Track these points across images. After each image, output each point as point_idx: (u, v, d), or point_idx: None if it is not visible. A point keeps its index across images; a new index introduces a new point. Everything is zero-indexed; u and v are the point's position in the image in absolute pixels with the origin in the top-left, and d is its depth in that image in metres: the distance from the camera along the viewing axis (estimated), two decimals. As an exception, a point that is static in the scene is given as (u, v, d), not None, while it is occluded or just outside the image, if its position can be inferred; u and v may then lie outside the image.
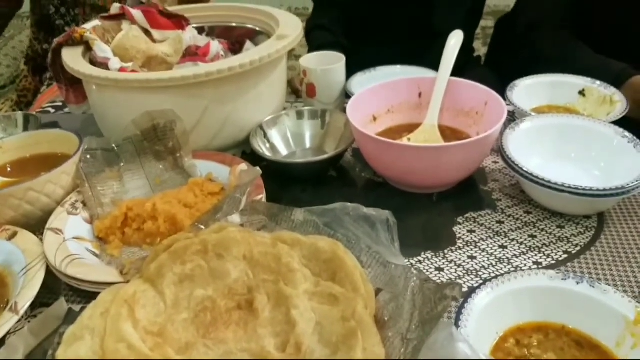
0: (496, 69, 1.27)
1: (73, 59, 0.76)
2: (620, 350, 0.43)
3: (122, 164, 0.69)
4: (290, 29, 0.81)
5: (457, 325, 0.43)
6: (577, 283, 0.46)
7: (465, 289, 0.54)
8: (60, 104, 1.04)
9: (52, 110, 0.98)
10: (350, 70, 0.96)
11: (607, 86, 0.82)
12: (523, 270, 0.48)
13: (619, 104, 0.78)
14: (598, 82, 0.83)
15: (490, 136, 0.64)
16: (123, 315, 0.43)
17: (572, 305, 0.45)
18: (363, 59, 1.04)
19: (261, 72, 0.75)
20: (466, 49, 1.32)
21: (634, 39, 1.02)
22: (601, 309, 0.44)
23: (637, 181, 0.59)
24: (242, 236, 0.51)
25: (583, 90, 0.84)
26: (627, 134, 0.66)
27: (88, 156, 0.67)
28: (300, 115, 0.81)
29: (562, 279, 0.46)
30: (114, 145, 0.69)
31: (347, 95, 0.89)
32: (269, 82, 0.78)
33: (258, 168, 0.61)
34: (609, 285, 0.52)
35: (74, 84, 0.83)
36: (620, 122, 0.73)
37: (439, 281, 0.55)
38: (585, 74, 0.87)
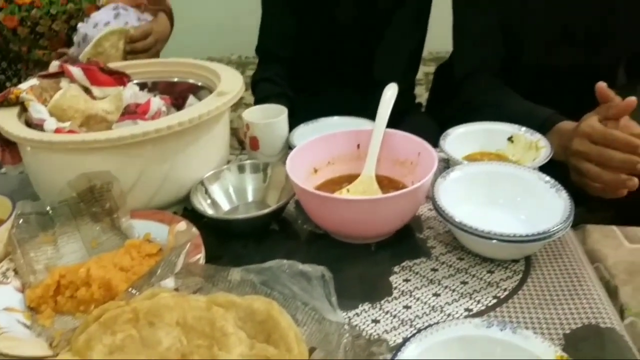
0: (436, 115, 1.33)
1: (7, 121, 0.75)
2: (542, 397, 0.44)
3: (56, 228, 0.67)
4: (231, 84, 0.83)
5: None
6: (501, 330, 0.48)
7: (399, 340, 0.55)
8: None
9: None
10: (297, 120, 0.99)
11: (534, 132, 0.87)
12: (450, 320, 0.49)
13: (544, 150, 0.83)
14: (525, 129, 0.88)
15: (421, 187, 0.66)
16: (47, 393, 0.42)
17: (497, 353, 0.47)
18: (308, 109, 1.07)
19: (202, 128, 0.77)
20: (407, 95, 1.38)
21: (561, 86, 1.09)
22: (523, 355, 0.46)
23: (559, 225, 0.62)
24: (175, 301, 0.50)
25: (511, 136, 0.89)
26: (548, 178, 0.70)
27: (21, 221, 0.66)
28: (241, 169, 0.82)
29: (487, 327, 0.48)
30: (48, 208, 0.68)
31: (290, 147, 0.91)
32: (210, 137, 0.80)
33: (195, 229, 0.62)
34: (535, 327, 0.55)
35: (9, 144, 0.82)
36: (547, 166, 0.77)
37: (374, 334, 0.56)
38: (515, 121, 0.92)
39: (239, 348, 0.48)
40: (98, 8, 1.18)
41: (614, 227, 0.92)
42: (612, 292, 0.79)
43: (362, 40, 1.24)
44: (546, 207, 0.67)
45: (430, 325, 0.49)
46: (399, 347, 0.47)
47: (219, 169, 0.81)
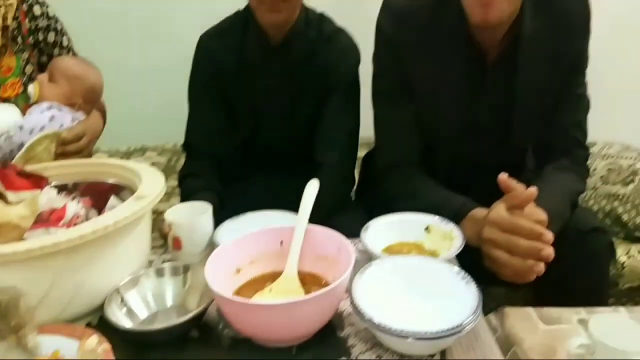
0: (364, 202, 1.37)
1: None
2: None
3: (-46, 351, 0.63)
4: (151, 187, 0.83)
5: None
6: None
7: None
8: None
9: None
10: (228, 211, 1.00)
11: (448, 222, 0.92)
12: None
13: (456, 240, 0.87)
14: (440, 219, 0.93)
15: (338, 286, 0.68)
16: None
17: None
18: (240, 199, 1.07)
19: (118, 234, 0.75)
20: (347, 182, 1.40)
21: (475, 174, 1.17)
22: None
23: (469, 318, 0.65)
24: None
25: (428, 227, 0.93)
26: (458, 270, 0.74)
27: None
28: (160, 273, 0.81)
29: None
30: (-54, 330, 0.64)
31: (214, 245, 0.90)
32: (127, 243, 0.78)
33: (105, 345, 0.59)
34: None
35: None
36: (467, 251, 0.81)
37: None
38: (432, 210, 0.96)
39: None
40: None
41: (531, 310, 0.97)
42: (530, 377, 0.81)
43: (291, 136, 1.29)
44: (457, 299, 0.70)
45: None
46: None
47: (137, 274, 0.79)
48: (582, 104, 1.15)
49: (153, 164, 1.85)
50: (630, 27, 1.87)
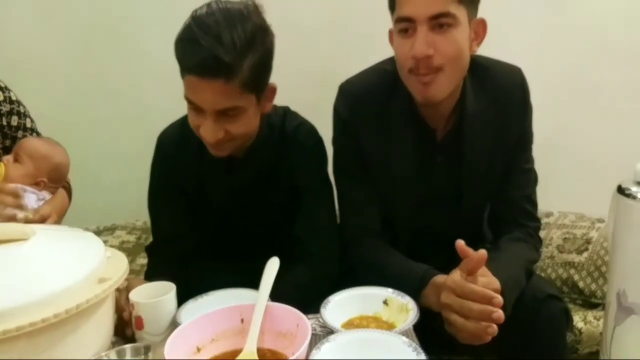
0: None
1: None
2: None
3: None
4: (115, 270, 0.86)
5: None
6: None
7: None
8: None
9: None
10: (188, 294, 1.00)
11: (404, 295, 0.96)
12: None
13: (412, 312, 0.91)
14: (397, 293, 0.97)
15: (294, 362, 0.70)
16: None
17: None
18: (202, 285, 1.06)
19: (80, 317, 0.77)
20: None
21: (434, 243, 1.23)
22: None
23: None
24: None
25: (386, 300, 0.97)
26: (409, 342, 0.77)
27: None
28: (121, 353, 0.81)
29: None
30: None
31: (177, 325, 0.92)
32: (91, 325, 0.80)
33: None
34: None
35: None
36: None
37: None
38: (396, 280, 1.00)
39: None
40: None
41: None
42: None
43: (260, 233, 1.24)
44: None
45: None
46: None
47: (98, 356, 0.80)
48: (529, 178, 1.24)
49: (122, 242, 1.85)
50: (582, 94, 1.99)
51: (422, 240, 1.24)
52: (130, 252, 1.79)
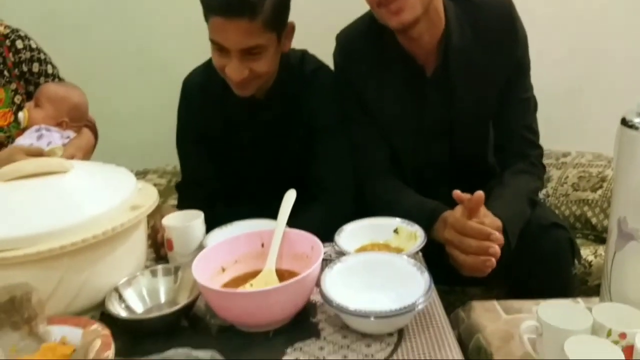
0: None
1: None
2: None
3: (-25, 339, 0.73)
4: (146, 198, 0.94)
5: None
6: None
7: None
8: None
9: None
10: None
11: (413, 224, 1.02)
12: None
13: (420, 239, 0.97)
14: (406, 222, 1.03)
15: (307, 277, 0.78)
16: None
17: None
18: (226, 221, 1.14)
19: (116, 240, 0.86)
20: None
21: (441, 179, 1.27)
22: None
23: (421, 298, 0.74)
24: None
25: (396, 228, 1.03)
26: (414, 262, 0.84)
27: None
28: (154, 273, 0.91)
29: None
30: (-31, 321, 0.74)
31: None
32: (126, 247, 0.89)
33: (105, 329, 0.69)
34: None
35: None
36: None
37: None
38: (407, 216, 1.06)
39: None
40: (23, 132, 1.28)
41: (495, 302, 1.06)
42: (488, 357, 0.90)
43: (280, 176, 1.27)
44: (412, 286, 0.79)
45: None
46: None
47: (133, 275, 0.89)
48: (529, 107, 1.26)
49: (154, 184, 1.94)
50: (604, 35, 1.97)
51: (428, 174, 1.29)
52: (162, 194, 1.87)
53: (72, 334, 0.76)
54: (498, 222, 1.00)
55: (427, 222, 1.07)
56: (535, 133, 1.26)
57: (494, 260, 0.96)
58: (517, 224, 1.10)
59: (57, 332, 0.77)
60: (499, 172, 1.28)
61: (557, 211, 1.54)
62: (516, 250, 1.09)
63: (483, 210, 1.00)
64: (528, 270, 1.15)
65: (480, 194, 0.97)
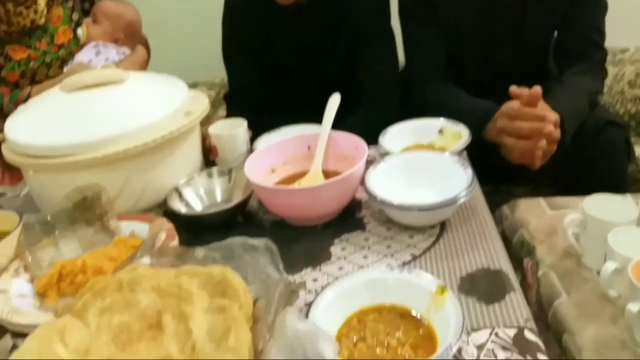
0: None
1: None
2: (429, 316, 0.58)
3: (56, 233, 0.82)
4: (198, 105, 0.98)
5: (307, 314, 0.58)
6: (400, 272, 0.62)
7: (332, 292, 0.68)
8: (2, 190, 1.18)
9: (-3, 198, 1.12)
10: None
11: (458, 124, 1.02)
12: (362, 269, 0.63)
13: (464, 137, 0.97)
14: (450, 122, 1.03)
15: (352, 174, 0.81)
16: (55, 340, 0.56)
17: (397, 288, 0.61)
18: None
19: (173, 143, 0.91)
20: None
21: (499, 84, 1.24)
22: (415, 287, 0.60)
23: (463, 192, 0.77)
24: (150, 273, 0.65)
25: (441, 129, 1.04)
26: (457, 159, 0.85)
27: (27, 229, 0.80)
28: (210, 174, 0.97)
29: (390, 271, 0.62)
30: (49, 218, 0.83)
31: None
32: (182, 151, 0.94)
33: (165, 219, 0.76)
34: (439, 273, 0.69)
35: (10, 168, 0.96)
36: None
37: (313, 289, 0.70)
38: (460, 116, 1.05)
39: (201, 303, 0.62)
40: (82, 48, 1.34)
41: (540, 199, 1.07)
42: (531, 251, 0.93)
43: (325, 83, 1.24)
44: (456, 182, 0.81)
45: (345, 274, 0.63)
46: (318, 293, 0.61)
47: (191, 176, 0.95)
48: (598, 7, 1.19)
49: (204, 97, 2.00)
50: None
51: (487, 77, 1.26)
52: (211, 106, 1.93)
53: (140, 228, 0.84)
54: (556, 116, 0.98)
55: (479, 121, 1.06)
56: (602, 35, 1.20)
57: (544, 141, 0.95)
58: (574, 121, 1.08)
59: (126, 227, 0.85)
60: (558, 75, 1.24)
61: (610, 110, 1.49)
62: (568, 150, 1.08)
63: (541, 104, 0.98)
64: (580, 170, 1.14)
65: (538, 88, 0.95)
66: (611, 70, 1.55)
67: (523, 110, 0.96)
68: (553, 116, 0.96)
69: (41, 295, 0.74)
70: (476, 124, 1.03)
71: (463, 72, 1.28)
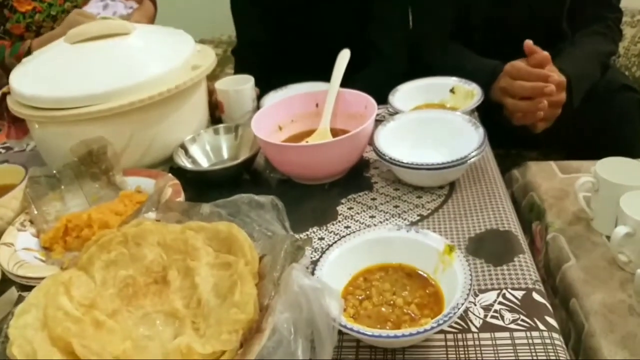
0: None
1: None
2: (436, 275, 0.58)
3: (62, 187, 0.81)
4: (205, 59, 0.96)
5: (314, 271, 0.57)
6: (407, 231, 0.61)
7: (338, 251, 0.68)
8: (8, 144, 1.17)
9: (3, 151, 1.11)
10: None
11: (470, 83, 0.99)
12: (368, 227, 0.63)
13: (477, 96, 0.95)
14: (463, 81, 1.00)
15: (360, 132, 0.79)
16: (60, 292, 0.56)
17: (404, 247, 0.60)
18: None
19: (180, 98, 0.90)
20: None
21: (509, 48, 1.21)
22: (423, 247, 0.59)
23: (473, 152, 0.75)
24: (156, 227, 0.64)
25: (453, 88, 1.01)
26: (468, 118, 0.83)
27: (33, 183, 0.80)
28: (216, 131, 0.95)
29: (397, 230, 0.61)
30: (55, 171, 0.82)
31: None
32: (188, 105, 0.93)
33: (170, 174, 0.75)
34: (447, 234, 0.68)
35: (16, 121, 0.95)
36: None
37: (319, 247, 0.70)
38: (468, 75, 1.03)
39: (206, 258, 0.62)
40: (88, 2, 1.31)
41: (551, 162, 1.05)
42: (540, 214, 0.92)
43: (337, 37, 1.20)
44: (466, 141, 0.79)
45: (352, 233, 0.62)
46: (324, 250, 0.60)
47: (197, 132, 0.94)
48: None
49: (210, 54, 1.97)
50: None
51: (496, 38, 1.22)
52: (218, 63, 1.91)
53: (146, 183, 0.84)
54: (561, 78, 0.96)
55: (487, 79, 1.03)
56: None
57: (545, 102, 0.93)
58: (583, 83, 1.05)
59: (132, 182, 0.84)
60: (571, 37, 1.20)
61: (626, 72, 1.44)
62: (580, 113, 1.05)
63: (549, 67, 0.95)
64: (591, 133, 1.11)
65: (546, 53, 0.92)
66: (629, 31, 1.49)
67: (526, 69, 0.93)
68: (557, 78, 0.93)
69: (47, 249, 0.74)
70: (484, 83, 1.01)
71: (471, 37, 1.24)
